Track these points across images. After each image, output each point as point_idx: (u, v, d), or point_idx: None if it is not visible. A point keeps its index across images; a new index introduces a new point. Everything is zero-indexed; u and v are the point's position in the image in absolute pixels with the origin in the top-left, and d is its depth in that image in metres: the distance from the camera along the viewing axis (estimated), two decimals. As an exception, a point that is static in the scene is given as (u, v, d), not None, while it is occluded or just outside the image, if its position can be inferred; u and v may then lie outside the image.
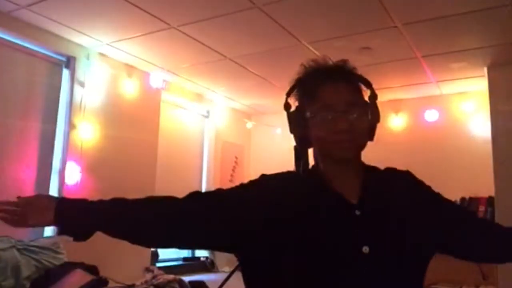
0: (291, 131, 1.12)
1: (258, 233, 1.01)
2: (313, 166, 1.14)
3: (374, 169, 1.14)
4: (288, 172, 1.14)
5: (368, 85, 1.09)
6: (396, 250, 1.00)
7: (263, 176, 1.13)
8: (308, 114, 1.06)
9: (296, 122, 1.09)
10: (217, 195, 1.12)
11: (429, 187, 1.16)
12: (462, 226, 1.12)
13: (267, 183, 1.10)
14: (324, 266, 0.98)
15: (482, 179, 4.02)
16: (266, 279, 1.02)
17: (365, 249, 0.98)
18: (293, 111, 1.11)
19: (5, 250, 2.83)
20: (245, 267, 1.07)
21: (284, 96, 1.14)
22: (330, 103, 1.03)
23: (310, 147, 1.12)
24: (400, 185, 1.12)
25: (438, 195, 1.16)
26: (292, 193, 1.05)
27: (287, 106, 1.13)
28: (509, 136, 3.79)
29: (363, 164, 1.14)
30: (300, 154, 1.13)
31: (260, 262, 1.02)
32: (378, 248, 0.98)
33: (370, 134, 1.08)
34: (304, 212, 1.02)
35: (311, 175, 1.11)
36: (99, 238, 1.06)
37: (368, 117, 1.07)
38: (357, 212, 1.02)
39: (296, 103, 1.12)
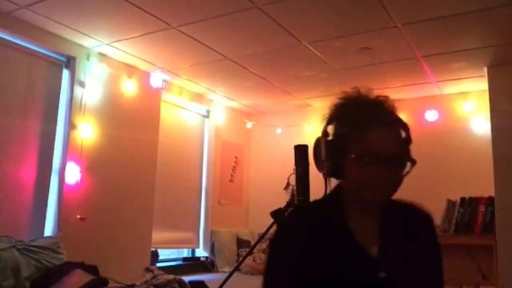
0: (326, 159, 1.12)
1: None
2: (332, 194, 1.16)
3: (394, 206, 1.15)
4: (306, 213, 1.19)
5: (408, 131, 1.11)
6: None
7: (285, 223, 1.18)
8: (352, 153, 1.07)
9: (335, 153, 1.10)
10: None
11: (437, 245, 1.18)
12: None
13: (292, 242, 1.13)
14: None
15: (482, 179, 4.02)
16: None
17: None
18: (334, 141, 1.11)
19: (5, 250, 2.83)
20: None
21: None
22: (378, 150, 1.05)
23: (338, 179, 1.14)
24: (418, 232, 1.15)
25: (438, 257, 1.18)
26: (315, 245, 1.09)
27: (325, 132, 1.14)
28: (509, 136, 3.79)
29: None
30: (326, 182, 1.16)
31: None
32: None
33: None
34: (329, 265, 1.07)
35: (328, 210, 1.14)
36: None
37: (405, 168, 1.09)
38: (382, 275, 1.05)
39: (332, 129, 1.13)
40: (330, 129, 1.14)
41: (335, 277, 1.05)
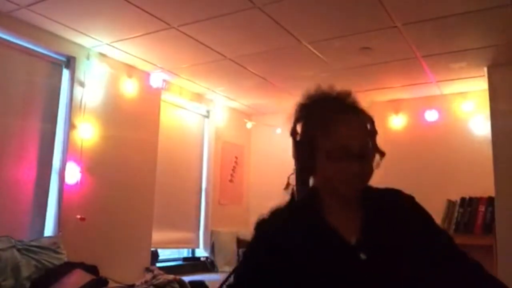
0: (297, 159, 1.14)
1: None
2: (308, 194, 1.16)
3: (374, 195, 1.14)
4: (281, 211, 1.18)
5: (372, 122, 1.12)
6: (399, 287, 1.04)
7: (260, 228, 1.16)
8: (321, 150, 1.08)
9: (305, 153, 1.11)
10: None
11: (429, 219, 1.16)
12: (448, 272, 1.10)
13: (266, 237, 1.14)
14: None
15: (482, 179, 4.02)
16: None
17: None
18: (303, 141, 1.13)
19: (5, 250, 2.83)
20: None
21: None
22: (346, 144, 1.06)
23: (310, 175, 1.15)
24: (402, 216, 1.13)
25: (435, 231, 1.16)
26: (292, 238, 1.09)
27: (293, 133, 1.15)
28: (509, 136, 3.79)
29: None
30: (302, 181, 1.16)
31: None
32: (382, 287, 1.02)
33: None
34: (308, 256, 1.07)
35: (306, 210, 1.14)
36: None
37: (374, 158, 1.11)
38: (363, 257, 1.05)
39: (299, 128, 1.14)
40: (298, 128, 1.15)
41: (319, 271, 1.05)
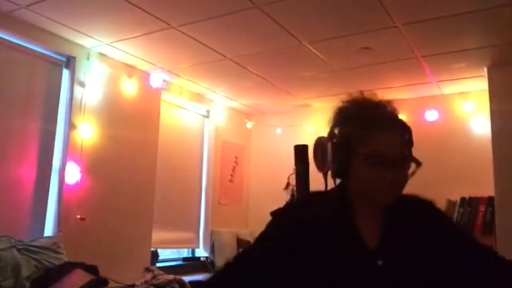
0: (333, 161, 1.15)
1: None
2: (338, 194, 1.18)
3: (397, 202, 1.15)
4: (304, 205, 1.21)
5: (410, 133, 1.15)
6: None
7: (281, 217, 1.18)
8: (360, 154, 1.09)
9: (341, 156, 1.13)
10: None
11: (450, 224, 1.20)
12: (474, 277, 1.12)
13: (286, 226, 1.16)
14: None
15: (482, 179, 4.02)
16: None
17: None
18: (340, 143, 1.14)
19: (5, 250, 2.83)
20: None
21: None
22: (384, 151, 1.08)
23: (343, 178, 1.17)
24: (422, 223, 1.16)
25: (459, 234, 1.19)
26: (314, 232, 1.11)
27: (331, 135, 1.17)
28: (509, 136, 3.79)
29: None
30: (326, 182, 1.20)
31: None
32: None
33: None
34: (327, 255, 1.09)
35: (340, 210, 1.15)
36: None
37: (409, 169, 1.12)
38: (379, 262, 1.08)
39: (337, 131, 1.16)
40: (336, 131, 1.16)
41: (335, 270, 1.08)
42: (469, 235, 1.20)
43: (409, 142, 1.13)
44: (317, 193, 1.23)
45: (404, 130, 1.14)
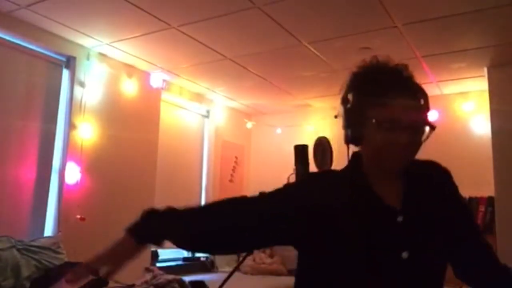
0: (345, 127, 1.14)
1: (306, 230, 1.09)
2: (354, 164, 1.17)
3: (415, 166, 1.15)
4: (330, 172, 1.20)
5: (426, 98, 1.13)
6: (431, 256, 1.09)
7: (308, 176, 1.18)
8: (373, 119, 1.07)
9: (354, 121, 1.11)
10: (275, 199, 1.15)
11: (460, 197, 1.20)
12: (470, 249, 1.17)
13: (314, 184, 1.16)
14: (363, 270, 1.04)
15: (482, 179, 4.02)
16: (312, 273, 1.12)
17: (404, 255, 1.05)
18: (353, 109, 1.12)
19: (5, 250, 2.83)
20: (300, 258, 1.16)
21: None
22: (398, 116, 1.06)
23: (357, 145, 1.15)
24: (439, 188, 1.16)
25: (465, 207, 1.22)
26: (338, 197, 1.10)
27: (345, 100, 1.14)
28: (509, 136, 3.79)
29: None
30: (349, 152, 1.17)
31: (306, 257, 1.14)
32: (416, 254, 1.05)
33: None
34: (348, 217, 1.07)
35: (354, 177, 1.14)
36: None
37: (424, 134, 1.10)
38: (400, 219, 1.07)
39: (351, 97, 1.13)
40: (349, 97, 1.14)
41: (355, 229, 1.06)
42: (475, 220, 1.21)
43: (424, 107, 1.11)
44: (329, 170, 1.22)
45: (419, 94, 1.12)
